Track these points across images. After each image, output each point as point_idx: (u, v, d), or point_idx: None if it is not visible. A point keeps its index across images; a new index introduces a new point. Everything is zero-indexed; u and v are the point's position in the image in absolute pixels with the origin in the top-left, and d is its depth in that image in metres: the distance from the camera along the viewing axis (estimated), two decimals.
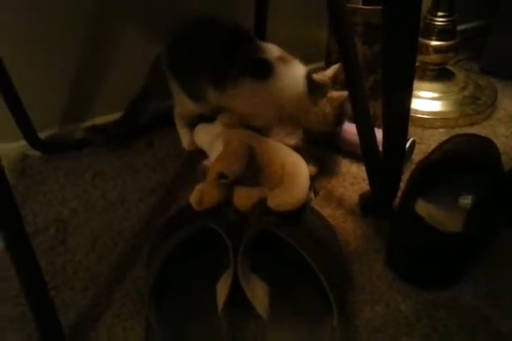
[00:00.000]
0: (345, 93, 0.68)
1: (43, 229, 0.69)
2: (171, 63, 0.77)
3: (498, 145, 0.73)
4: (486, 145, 0.71)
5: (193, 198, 0.64)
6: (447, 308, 0.54)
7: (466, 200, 0.63)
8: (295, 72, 0.70)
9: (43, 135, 0.87)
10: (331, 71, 0.73)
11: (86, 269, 0.63)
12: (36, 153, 0.86)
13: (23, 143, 0.85)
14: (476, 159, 0.66)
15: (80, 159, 0.85)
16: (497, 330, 0.52)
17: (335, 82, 0.72)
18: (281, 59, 0.71)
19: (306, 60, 1.03)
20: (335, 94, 0.69)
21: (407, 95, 0.57)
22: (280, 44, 0.96)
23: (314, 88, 0.70)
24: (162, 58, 0.78)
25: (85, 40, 0.84)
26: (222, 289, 0.54)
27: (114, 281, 0.61)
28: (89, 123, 0.91)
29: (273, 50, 0.72)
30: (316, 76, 0.72)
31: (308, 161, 0.70)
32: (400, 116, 0.58)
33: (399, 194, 0.66)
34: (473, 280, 0.58)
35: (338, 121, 0.73)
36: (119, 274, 0.62)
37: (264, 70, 0.70)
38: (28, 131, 0.83)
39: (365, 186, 0.73)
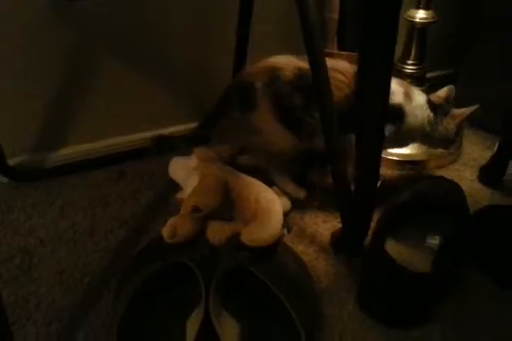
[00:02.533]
0: (466, 110, 0.78)
1: (7, 258, 0.67)
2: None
3: (464, 188, 0.77)
4: (452, 187, 0.74)
5: (165, 231, 0.63)
6: None
7: (434, 241, 0.65)
8: (420, 104, 0.77)
9: (12, 162, 0.85)
10: (443, 92, 0.81)
11: (50, 302, 0.61)
12: (4, 180, 0.84)
13: None
14: (443, 201, 0.68)
15: (50, 188, 0.83)
16: None
17: (447, 101, 0.80)
18: (406, 95, 0.76)
19: None
20: (457, 111, 0.78)
21: (379, 137, 0.60)
22: None
23: (436, 109, 0.78)
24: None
25: (60, 71, 0.84)
26: (192, 325, 0.53)
27: (79, 316, 0.59)
28: (61, 152, 0.90)
29: (396, 90, 0.75)
30: (432, 97, 0.79)
31: (281, 197, 0.71)
32: (371, 158, 0.61)
33: (370, 233, 0.67)
34: (441, 319, 0.59)
35: (458, 133, 0.81)
36: (85, 309, 0.60)
37: (399, 116, 0.75)
38: None
39: (337, 224, 0.75)
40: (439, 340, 0.56)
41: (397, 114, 0.76)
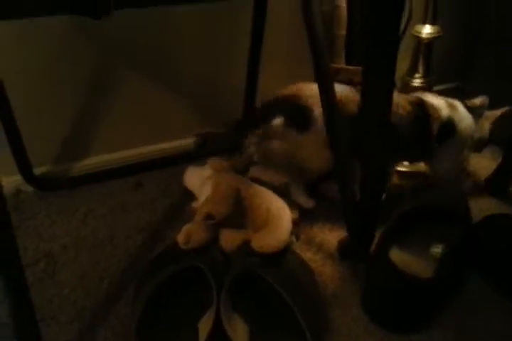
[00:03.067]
0: (498, 111, 0.85)
1: (33, 262, 0.71)
2: None
3: (469, 197, 0.79)
4: (457, 197, 0.76)
5: (180, 237, 0.67)
6: None
7: (437, 249, 0.68)
8: (464, 112, 0.82)
9: (37, 171, 0.90)
10: (478, 100, 0.85)
11: (72, 303, 0.65)
12: (29, 189, 0.89)
13: (16, 177, 0.87)
14: (447, 210, 0.71)
15: (73, 197, 0.88)
16: None
17: (481, 107, 0.85)
18: (450, 106, 0.82)
19: None
20: (489, 112, 0.85)
21: (383, 151, 0.63)
22: (270, 94, 1.03)
23: (471, 113, 0.83)
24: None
25: (85, 82, 0.89)
26: (204, 327, 0.56)
27: (99, 316, 0.63)
28: (83, 162, 0.95)
29: (440, 104, 0.80)
30: (468, 103, 0.85)
31: (291, 207, 0.75)
32: (376, 165, 0.64)
33: (375, 241, 0.70)
34: (442, 325, 0.61)
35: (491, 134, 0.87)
36: (105, 309, 0.64)
37: (451, 131, 0.80)
38: (24, 166, 0.86)
39: (344, 232, 0.77)
40: None
41: (450, 127, 0.80)
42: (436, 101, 0.81)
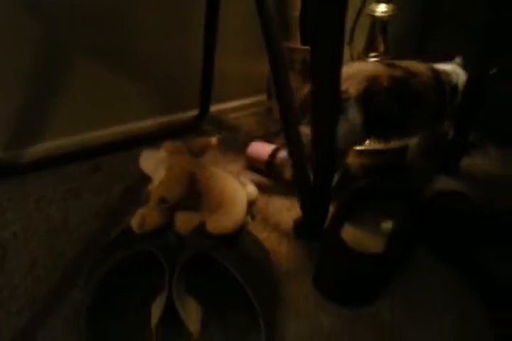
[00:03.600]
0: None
1: None
2: None
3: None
4: (405, 175, 0.78)
5: (134, 221, 0.66)
6: (366, 323, 0.59)
7: (387, 225, 0.70)
8: (462, 75, 0.82)
9: None
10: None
11: (23, 292, 0.63)
12: None
13: None
14: (395, 188, 0.72)
15: (25, 183, 0.86)
16: None
17: None
18: (455, 71, 0.82)
19: (250, 92, 1.10)
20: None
21: (333, 123, 0.64)
22: (226, 77, 1.02)
23: None
24: None
25: (35, 65, 0.86)
26: (156, 309, 0.56)
27: (51, 304, 0.62)
28: (35, 148, 0.92)
29: (450, 70, 0.81)
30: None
31: (248, 187, 0.75)
32: (328, 147, 0.64)
33: (328, 219, 0.71)
34: (390, 297, 0.63)
35: None
36: (57, 297, 0.63)
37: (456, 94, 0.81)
38: None
39: (299, 211, 0.78)
40: (388, 315, 0.61)
41: (455, 89, 0.80)
42: (445, 67, 0.82)
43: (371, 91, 0.72)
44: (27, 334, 0.58)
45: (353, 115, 0.71)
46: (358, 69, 0.74)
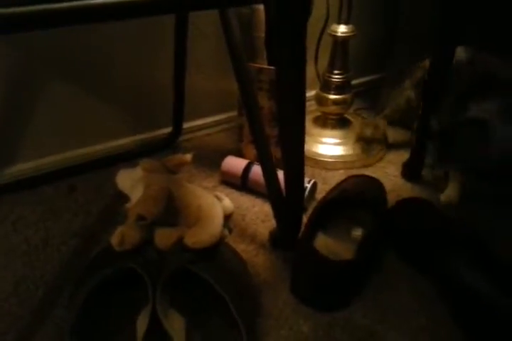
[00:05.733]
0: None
1: None
2: None
3: (388, 184, 0.86)
4: (374, 184, 0.83)
5: (113, 239, 0.68)
6: (341, 327, 0.63)
7: (357, 232, 0.74)
8: None
9: None
10: None
11: (6, 313, 0.64)
12: None
13: None
14: (363, 197, 0.77)
15: (1, 205, 0.86)
16: None
17: None
18: None
19: (221, 109, 1.14)
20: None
21: (300, 139, 0.67)
22: (199, 95, 1.06)
23: None
24: None
25: (7, 86, 0.87)
26: (141, 323, 0.58)
27: (35, 324, 0.63)
28: (10, 169, 0.93)
29: None
30: None
31: (224, 201, 0.78)
32: (296, 159, 0.68)
33: (303, 228, 0.75)
34: (362, 301, 0.67)
35: None
36: (41, 317, 0.64)
37: None
38: None
39: (274, 223, 0.82)
40: (361, 318, 0.64)
41: None
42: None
43: None
44: None
45: None
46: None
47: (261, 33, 0.87)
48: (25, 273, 0.71)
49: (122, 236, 0.69)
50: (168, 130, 1.07)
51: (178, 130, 1.06)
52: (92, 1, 0.40)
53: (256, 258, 0.75)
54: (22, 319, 0.64)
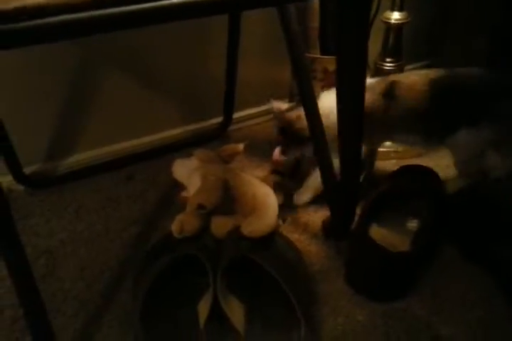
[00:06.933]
0: None
1: (33, 259, 0.74)
2: None
3: (441, 174, 0.84)
4: (428, 175, 0.82)
5: (174, 227, 0.71)
6: (397, 317, 0.63)
7: (413, 224, 0.73)
8: None
9: (27, 170, 0.92)
10: None
11: (75, 296, 0.68)
12: (20, 188, 0.91)
13: (7, 178, 0.89)
14: (421, 187, 0.76)
15: (64, 193, 0.90)
16: (438, 335, 0.61)
17: None
18: None
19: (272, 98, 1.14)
20: None
21: (359, 130, 0.67)
22: (250, 84, 1.07)
23: None
24: None
25: (70, 80, 0.91)
26: (203, 309, 0.61)
27: (102, 306, 0.67)
28: (71, 159, 0.98)
29: None
30: None
31: (276, 191, 0.79)
32: (353, 149, 0.68)
33: (356, 219, 0.75)
34: (419, 292, 0.67)
35: None
36: (107, 299, 0.68)
37: None
38: (14, 166, 0.88)
39: (327, 213, 0.82)
40: (418, 309, 0.65)
41: None
42: None
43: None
44: (85, 336, 0.62)
45: None
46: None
47: (315, 23, 0.86)
48: (90, 258, 0.75)
49: (182, 224, 0.71)
50: (218, 120, 1.08)
51: (228, 120, 1.07)
52: (162, 2, 0.41)
53: (309, 247, 0.76)
54: (90, 302, 0.67)
